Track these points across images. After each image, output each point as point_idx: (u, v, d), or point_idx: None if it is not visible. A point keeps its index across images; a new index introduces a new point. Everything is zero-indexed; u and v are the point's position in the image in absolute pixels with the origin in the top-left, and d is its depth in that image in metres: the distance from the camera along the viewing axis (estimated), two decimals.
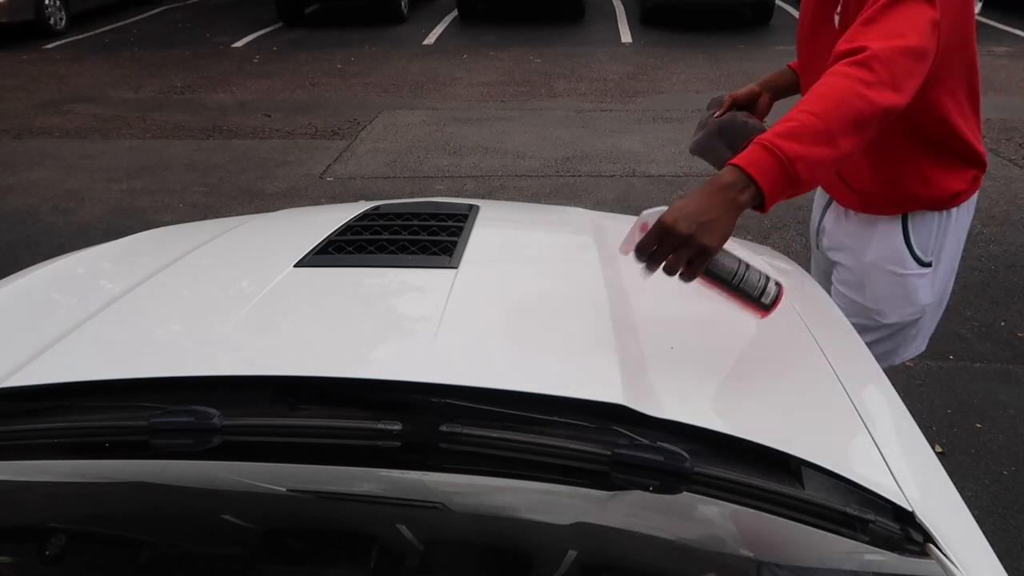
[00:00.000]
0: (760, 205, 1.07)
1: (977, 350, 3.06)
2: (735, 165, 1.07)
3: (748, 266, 1.07)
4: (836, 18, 1.46)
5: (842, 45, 1.23)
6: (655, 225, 1.03)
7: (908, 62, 1.20)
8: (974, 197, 1.60)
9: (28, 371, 0.94)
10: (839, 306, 1.51)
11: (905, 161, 1.49)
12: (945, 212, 1.56)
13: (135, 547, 0.80)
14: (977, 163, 1.54)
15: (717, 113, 1.78)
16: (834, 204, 1.70)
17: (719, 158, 1.73)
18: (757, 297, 1.06)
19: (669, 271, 1.05)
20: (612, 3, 11.00)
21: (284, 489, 0.89)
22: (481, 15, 10.22)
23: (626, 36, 9.18)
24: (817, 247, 1.81)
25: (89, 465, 0.89)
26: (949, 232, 1.58)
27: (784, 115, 1.14)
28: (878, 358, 1.71)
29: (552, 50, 8.57)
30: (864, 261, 1.62)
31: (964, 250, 1.68)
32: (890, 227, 1.57)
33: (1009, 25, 9.24)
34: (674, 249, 1.02)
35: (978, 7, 8.90)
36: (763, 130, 1.72)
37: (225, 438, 0.84)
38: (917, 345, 1.73)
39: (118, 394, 0.92)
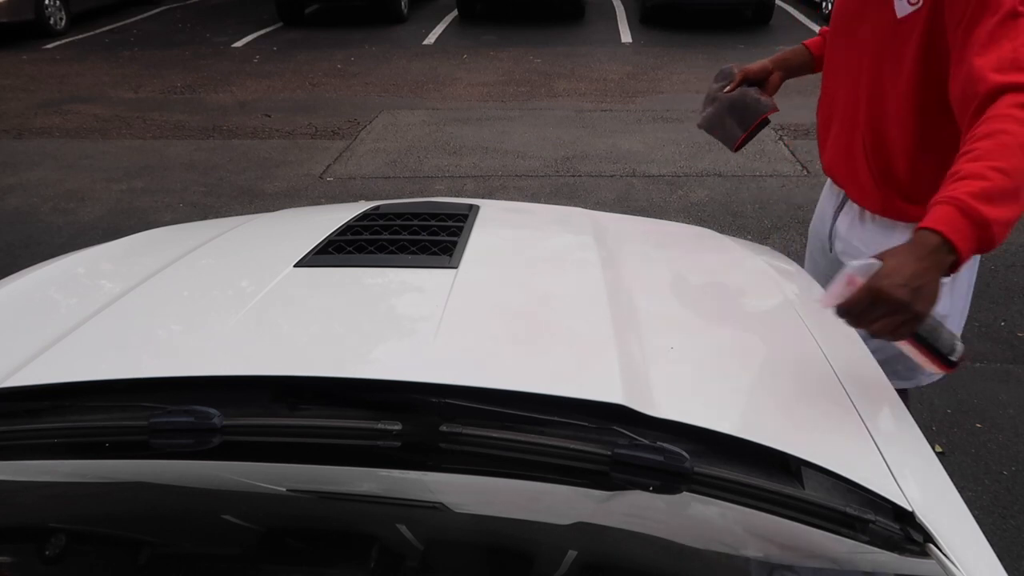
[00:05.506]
0: (955, 264, 1.04)
1: (977, 350, 3.05)
2: (937, 231, 1.02)
3: (942, 324, 1.05)
4: (899, 4, 1.34)
5: (996, 77, 1.12)
6: (867, 287, 0.98)
7: None
8: None
9: (28, 371, 0.94)
10: None
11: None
12: None
13: (135, 547, 0.80)
14: None
15: (728, 88, 1.70)
16: (848, 206, 1.59)
17: (729, 135, 1.69)
18: (946, 354, 1.05)
19: (877, 334, 1.01)
20: (612, 3, 10.99)
21: (284, 489, 0.89)
22: (481, 15, 10.21)
23: (626, 36, 9.18)
24: (830, 250, 1.66)
25: (89, 465, 0.89)
26: None
27: (961, 164, 1.08)
28: (905, 376, 1.49)
29: (552, 50, 8.56)
30: None
31: None
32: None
33: None
34: (888, 314, 0.98)
35: None
36: (775, 108, 1.64)
37: (225, 438, 0.84)
38: None
39: (118, 394, 0.92)
